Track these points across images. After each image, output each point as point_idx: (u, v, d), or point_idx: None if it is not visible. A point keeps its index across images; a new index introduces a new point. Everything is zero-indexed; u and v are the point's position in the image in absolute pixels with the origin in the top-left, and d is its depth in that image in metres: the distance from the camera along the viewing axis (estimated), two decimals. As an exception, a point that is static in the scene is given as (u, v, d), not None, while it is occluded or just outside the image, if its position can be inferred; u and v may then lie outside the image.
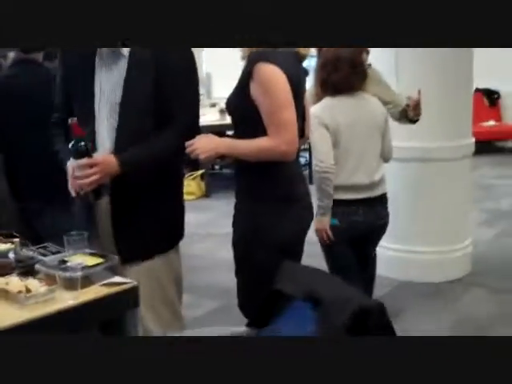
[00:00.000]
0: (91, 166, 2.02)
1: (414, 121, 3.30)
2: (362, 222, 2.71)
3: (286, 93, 1.97)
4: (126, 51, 2.13)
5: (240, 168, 2.15)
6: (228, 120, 6.27)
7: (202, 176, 6.69)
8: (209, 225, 5.62)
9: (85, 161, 2.02)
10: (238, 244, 2.18)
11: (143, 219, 2.22)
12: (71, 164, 2.07)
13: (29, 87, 2.92)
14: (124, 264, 2.12)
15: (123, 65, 2.14)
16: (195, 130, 2.18)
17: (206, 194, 6.68)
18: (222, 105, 7.15)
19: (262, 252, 2.07)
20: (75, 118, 2.07)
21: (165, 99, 2.11)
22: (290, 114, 1.98)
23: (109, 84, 2.15)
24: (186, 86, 2.17)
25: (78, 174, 2.02)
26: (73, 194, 2.11)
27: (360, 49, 2.88)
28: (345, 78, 2.70)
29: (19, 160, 3.08)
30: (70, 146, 2.06)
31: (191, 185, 6.57)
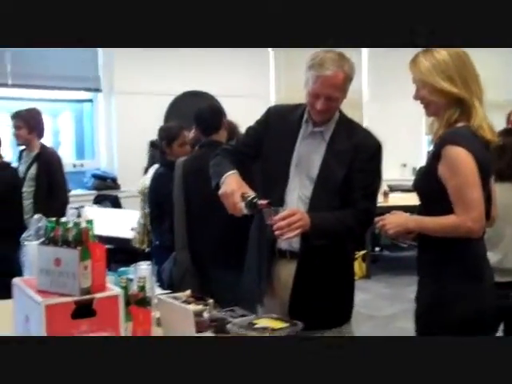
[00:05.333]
0: (291, 215, 2.15)
1: None
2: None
3: (473, 173, 2.04)
4: (327, 136, 2.38)
5: (425, 244, 2.22)
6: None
7: (363, 257, 6.73)
8: (368, 306, 5.61)
9: (286, 212, 2.16)
10: (420, 318, 2.23)
11: (323, 290, 2.38)
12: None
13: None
14: None
15: (323, 146, 2.38)
16: (372, 216, 2.32)
17: (367, 275, 6.71)
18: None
19: (443, 328, 2.10)
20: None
21: (352, 184, 2.32)
22: (477, 193, 2.04)
23: (306, 159, 2.37)
24: (373, 177, 2.40)
25: (283, 223, 2.12)
26: (233, 212, 2.22)
27: None
28: (508, 166, 2.86)
29: (200, 230, 3.36)
30: (249, 198, 2.17)
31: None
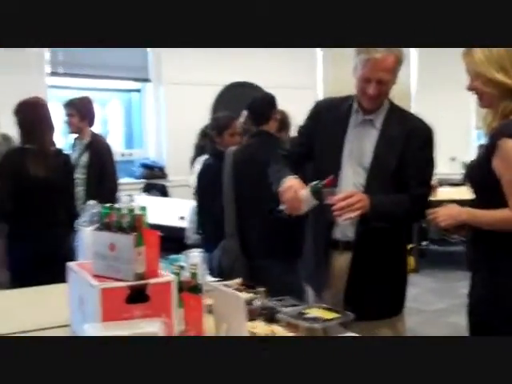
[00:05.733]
0: (350, 196, 2.15)
1: None
2: None
3: None
4: (378, 124, 2.34)
5: (477, 238, 2.17)
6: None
7: (410, 250, 6.63)
8: (417, 300, 5.55)
9: (345, 193, 2.17)
10: (473, 314, 2.19)
11: (377, 281, 2.36)
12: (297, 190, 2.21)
13: (266, 154, 3.21)
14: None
15: (374, 134, 2.35)
16: (427, 202, 2.31)
17: (415, 270, 6.63)
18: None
19: (499, 323, 2.05)
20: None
21: (406, 171, 2.30)
22: None
23: (358, 147, 2.35)
24: (426, 164, 2.37)
25: (343, 203, 2.13)
26: (291, 209, 2.24)
27: None
28: None
29: (249, 219, 3.37)
30: (313, 184, 2.21)
31: (400, 258, 6.56)
